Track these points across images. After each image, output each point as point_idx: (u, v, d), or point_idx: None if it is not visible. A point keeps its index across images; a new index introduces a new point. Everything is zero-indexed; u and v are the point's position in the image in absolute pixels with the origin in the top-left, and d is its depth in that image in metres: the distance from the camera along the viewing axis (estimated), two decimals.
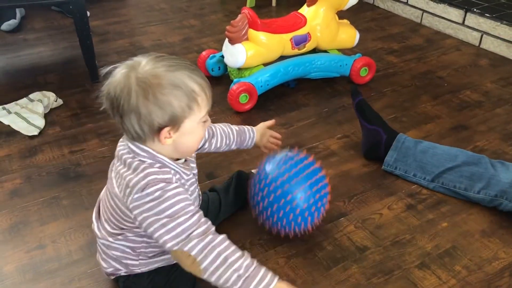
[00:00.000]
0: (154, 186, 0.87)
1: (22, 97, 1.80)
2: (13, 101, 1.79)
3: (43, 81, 1.96)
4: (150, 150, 0.91)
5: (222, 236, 0.89)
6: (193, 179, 1.03)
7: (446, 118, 1.74)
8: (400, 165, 1.43)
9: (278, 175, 1.11)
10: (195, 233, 0.87)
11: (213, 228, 0.90)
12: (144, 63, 0.87)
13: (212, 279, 0.87)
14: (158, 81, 0.85)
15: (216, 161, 1.51)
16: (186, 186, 0.98)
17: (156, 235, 0.88)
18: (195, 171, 1.05)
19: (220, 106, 1.80)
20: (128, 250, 1.00)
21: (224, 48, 1.80)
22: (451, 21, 2.38)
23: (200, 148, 1.18)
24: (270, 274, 0.88)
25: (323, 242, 1.22)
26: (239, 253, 0.88)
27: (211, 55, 1.95)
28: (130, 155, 0.92)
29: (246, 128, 1.28)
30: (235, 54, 1.72)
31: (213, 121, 1.70)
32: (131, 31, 2.46)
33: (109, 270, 1.04)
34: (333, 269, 1.15)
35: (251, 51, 1.71)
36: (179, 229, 0.86)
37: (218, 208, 1.24)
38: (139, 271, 1.03)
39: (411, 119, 1.74)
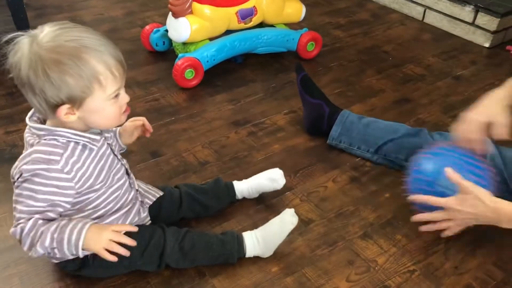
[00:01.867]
0: (32, 165, 0.84)
1: None
2: None
3: None
4: (47, 127, 0.87)
5: (41, 221, 0.87)
6: (108, 150, 0.96)
7: (390, 92, 1.78)
8: (345, 138, 1.45)
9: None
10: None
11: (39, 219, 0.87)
12: (43, 35, 0.81)
13: (33, 255, 0.88)
14: (54, 56, 0.79)
15: (161, 139, 1.47)
16: (97, 157, 0.93)
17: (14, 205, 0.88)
18: (111, 142, 0.99)
19: (164, 83, 1.75)
20: None
21: (168, 22, 1.74)
22: None
23: None
24: (76, 230, 0.86)
25: (269, 216, 1.21)
26: (52, 229, 0.86)
27: (155, 30, 1.88)
28: (33, 136, 0.88)
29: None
30: (179, 28, 1.67)
31: (158, 98, 1.67)
32: (71, 5, 2.34)
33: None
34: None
35: (195, 25, 1.67)
36: (24, 208, 0.86)
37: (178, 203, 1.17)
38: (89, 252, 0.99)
39: (357, 93, 1.76)
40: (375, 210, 1.27)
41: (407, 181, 1.17)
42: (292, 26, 1.99)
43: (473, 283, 1.09)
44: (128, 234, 1.00)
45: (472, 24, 2.13)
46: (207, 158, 1.42)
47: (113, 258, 0.88)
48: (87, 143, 0.90)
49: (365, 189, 1.34)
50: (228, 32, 1.78)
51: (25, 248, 0.88)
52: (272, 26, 1.90)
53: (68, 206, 0.91)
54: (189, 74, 1.69)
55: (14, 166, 0.88)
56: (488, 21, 2.08)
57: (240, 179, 1.34)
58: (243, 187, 1.24)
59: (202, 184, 1.23)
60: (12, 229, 0.88)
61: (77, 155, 0.89)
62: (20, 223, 0.86)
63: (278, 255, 1.13)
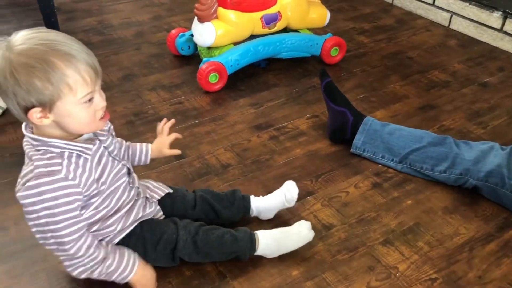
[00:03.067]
0: (36, 180, 0.85)
1: None
2: None
3: None
4: (40, 137, 0.88)
5: (93, 249, 0.93)
6: (106, 152, 0.96)
7: (414, 98, 1.76)
8: (368, 147, 1.44)
9: None
10: (65, 247, 0.91)
11: (84, 238, 0.92)
12: (16, 38, 0.82)
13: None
14: (22, 60, 0.80)
15: (185, 141, 1.49)
16: (95, 161, 0.93)
17: (32, 230, 0.92)
18: (107, 144, 0.98)
19: (189, 86, 1.78)
20: None
21: (193, 26, 1.77)
22: (422, 2, 2.39)
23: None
24: (129, 267, 0.98)
25: (290, 220, 1.23)
26: (100, 263, 0.95)
27: (180, 34, 1.91)
28: (29, 146, 0.90)
29: (139, 144, 1.15)
30: (204, 33, 1.69)
31: (183, 101, 1.70)
32: (100, 9, 2.39)
33: None
34: (300, 247, 1.16)
35: (220, 30, 1.69)
36: (48, 234, 0.90)
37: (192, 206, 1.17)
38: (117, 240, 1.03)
39: (380, 99, 1.75)
40: (397, 216, 1.26)
41: None
42: (316, 31, 1.99)
43: None
44: (141, 224, 1.04)
45: (500, 30, 2.10)
46: (229, 161, 1.43)
47: None
48: (80, 153, 0.90)
49: (387, 195, 1.33)
50: (252, 37, 1.80)
51: (73, 274, 0.97)
52: (296, 31, 1.91)
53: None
54: (213, 78, 1.71)
55: (18, 182, 0.90)
56: None
57: (261, 182, 1.35)
58: (259, 203, 1.20)
59: (219, 192, 1.21)
60: (54, 251, 0.94)
61: (74, 162, 0.89)
62: (68, 251, 0.92)
63: (299, 259, 1.13)
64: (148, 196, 1.10)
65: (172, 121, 1.18)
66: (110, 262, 0.96)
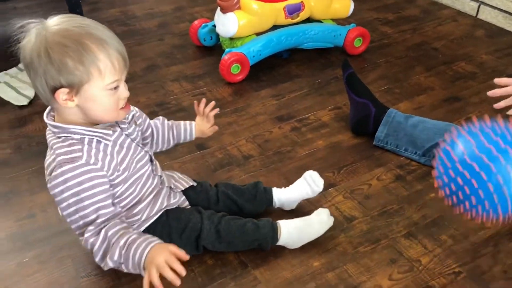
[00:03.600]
0: (59, 168, 0.87)
1: (11, 67, 1.78)
2: (3, 70, 1.77)
3: None
4: (60, 124, 0.89)
5: (112, 232, 0.90)
6: (128, 140, 0.98)
7: (439, 90, 1.73)
8: (391, 140, 1.42)
9: (483, 152, 0.90)
10: (89, 228, 0.90)
11: (109, 222, 0.91)
12: (52, 20, 0.85)
13: (105, 268, 0.93)
14: (57, 39, 0.82)
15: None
16: (117, 148, 0.94)
17: (67, 220, 0.93)
18: (128, 132, 0.99)
19: (211, 77, 1.78)
20: None
21: (216, 17, 1.77)
22: None
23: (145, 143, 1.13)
24: (139, 251, 0.88)
25: (311, 212, 1.22)
26: (120, 244, 0.89)
27: (203, 25, 1.92)
28: (50, 134, 0.92)
29: (182, 122, 1.19)
30: (227, 23, 1.69)
31: (205, 92, 1.70)
32: (123, 0, 2.41)
33: None
34: (321, 238, 1.15)
35: (243, 20, 1.68)
36: (81, 222, 0.91)
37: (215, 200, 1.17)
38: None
39: (404, 90, 1.73)
40: (420, 209, 1.25)
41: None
42: (339, 21, 1.97)
43: None
44: (166, 212, 1.05)
45: None
46: (250, 152, 1.44)
47: (158, 283, 0.85)
48: (100, 139, 0.92)
49: (410, 188, 1.31)
50: (275, 27, 1.79)
51: (97, 259, 0.93)
52: (319, 21, 1.89)
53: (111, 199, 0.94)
54: (235, 69, 1.71)
55: (46, 174, 0.92)
56: None
57: (282, 173, 1.35)
58: (281, 195, 1.20)
59: (241, 185, 1.21)
60: (82, 241, 0.93)
61: (94, 147, 0.91)
62: (89, 238, 0.90)
63: (320, 250, 1.13)
64: (172, 186, 1.11)
65: (213, 103, 1.20)
66: (123, 242, 0.90)
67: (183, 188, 1.14)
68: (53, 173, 0.88)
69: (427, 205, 1.26)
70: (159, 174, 1.08)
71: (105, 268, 0.93)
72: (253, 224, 1.09)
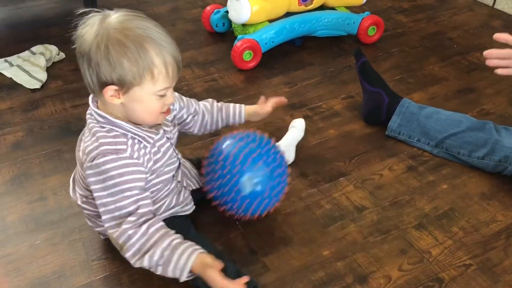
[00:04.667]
0: (102, 158, 0.86)
1: (24, 50, 1.79)
2: (15, 54, 1.77)
3: (45, 34, 1.93)
4: (107, 116, 0.89)
5: (154, 228, 0.88)
6: (167, 144, 0.99)
7: (454, 80, 1.71)
8: (404, 130, 1.41)
9: (234, 158, 1.02)
10: (129, 219, 0.88)
11: (150, 216, 0.89)
12: (116, 16, 0.84)
13: (136, 264, 0.89)
14: (119, 37, 0.82)
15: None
16: (155, 149, 0.95)
17: (99, 210, 0.90)
18: (170, 135, 1.01)
19: (223, 64, 1.77)
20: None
21: (228, 3, 1.75)
22: None
23: (186, 128, 1.13)
24: (185, 255, 0.87)
25: (321, 200, 1.22)
26: (163, 245, 0.87)
27: (215, 10, 1.90)
28: (94, 121, 0.91)
29: (232, 104, 1.18)
30: (240, 9, 1.68)
31: (217, 79, 1.70)
32: None
33: (97, 229, 1.06)
34: (331, 227, 1.16)
35: (256, 6, 1.67)
36: (116, 213, 0.88)
37: None
38: None
39: (418, 80, 1.71)
40: (431, 200, 1.24)
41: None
42: (353, 9, 1.94)
43: None
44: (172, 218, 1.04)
45: None
46: None
47: None
48: (142, 140, 0.92)
49: (422, 179, 1.30)
50: (288, 14, 1.77)
51: (129, 253, 0.88)
52: (333, 8, 1.86)
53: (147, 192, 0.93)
54: (247, 55, 1.70)
55: (82, 156, 0.91)
56: None
57: (293, 162, 1.34)
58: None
59: None
60: (114, 232, 0.88)
61: (137, 142, 0.92)
62: (128, 230, 0.87)
63: (330, 239, 1.13)
64: (185, 184, 1.10)
65: (283, 100, 1.23)
66: (166, 244, 0.88)
67: (194, 188, 1.12)
68: (95, 161, 0.87)
69: (439, 197, 1.25)
70: (179, 179, 1.07)
71: (136, 265, 0.89)
72: None
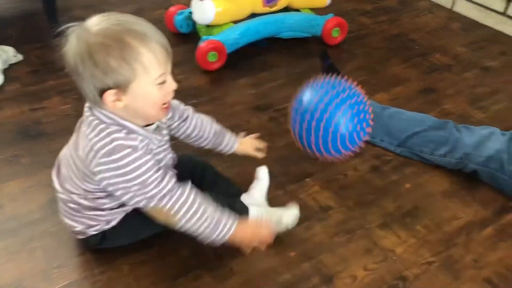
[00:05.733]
0: (121, 152, 0.86)
1: None
2: None
3: (2, 35, 1.86)
4: (114, 117, 0.88)
5: (188, 191, 0.92)
6: (166, 146, 1.01)
7: (415, 81, 1.75)
8: None
9: (320, 100, 1.07)
10: (165, 191, 0.89)
11: (178, 185, 0.91)
12: (91, 21, 0.84)
13: (187, 227, 0.92)
14: (99, 40, 0.81)
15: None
16: (154, 152, 0.96)
17: (125, 198, 0.90)
18: (168, 138, 1.03)
19: (187, 65, 1.75)
20: (93, 208, 0.99)
21: (192, 4, 1.74)
22: None
23: (170, 125, 1.13)
24: (228, 222, 0.94)
25: (288, 202, 1.22)
26: (203, 206, 0.92)
27: (179, 11, 1.88)
28: (95, 120, 0.89)
29: (229, 133, 1.19)
30: (204, 10, 1.66)
31: (181, 80, 1.67)
32: None
33: (78, 229, 1.03)
34: (297, 228, 1.16)
35: (220, 8, 1.66)
36: (149, 194, 0.89)
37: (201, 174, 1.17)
38: (109, 226, 1.02)
39: (381, 81, 1.74)
40: (395, 200, 1.26)
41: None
42: (317, 11, 1.96)
43: (492, 278, 1.08)
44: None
45: (504, 14, 2.07)
46: None
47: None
48: (148, 141, 0.92)
49: (386, 178, 1.32)
50: (252, 15, 1.77)
51: (181, 213, 0.91)
52: (297, 10, 1.87)
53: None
54: (212, 57, 1.69)
55: (88, 153, 0.88)
56: None
57: (260, 164, 1.33)
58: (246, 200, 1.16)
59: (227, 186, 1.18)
60: (169, 199, 0.90)
61: (145, 144, 0.92)
62: (175, 193, 0.90)
63: (296, 240, 1.13)
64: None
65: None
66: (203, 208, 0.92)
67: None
68: (112, 157, 0.86)
69: (402, 196, 1.27)
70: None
71: (177, 226, 0.93)
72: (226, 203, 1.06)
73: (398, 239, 1.15)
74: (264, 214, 1.12)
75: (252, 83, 1.69)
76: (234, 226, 0.94)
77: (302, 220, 1.18)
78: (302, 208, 1.21)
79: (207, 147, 1.18)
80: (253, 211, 1.11)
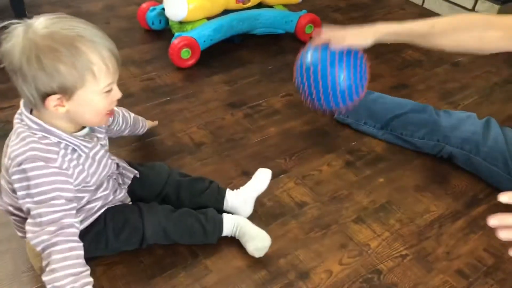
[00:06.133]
0: (30, 163, 0.82)
1: None
2: None
3: None
4: (42, 123, 0.85)
5: (70, 246, 0.83)
6: (102, 151, 0.96)
7: (388, 77, 1.77)
8: (351, 113, 1.45)
9: (323, 56, 1.17)
10: (48, 229, 0.82)
11: (71, 230, 0.84)
12: (39, 22, 0.80)
13: (46, 280, 0.82)
14: (48, 43, 0.78)
15: (156, 119, 1.45)
16: (89, 160, 0.91)
17: (25, 215, 0.85)
18: (104, 142, 0.98)
19: (161, 62, 1.73)
20: None
21: (164, 0, 1.71)
22: None
23: (111, 127, 1.14)
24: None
25: (263, 198, 1.22)
26: (77, 269, 0.83)
27: (151, 8, 1.85)
28: (24, 126, 0.86)
29: (140, 118, 1.30)
30: (176, 7, 1.64)
31: (154, 77, 1.65)
32: None
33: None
34: (272, 225, 1.16)
35: (193, 4, 1.64)
36: (37, 219, 0.83)
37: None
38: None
39: None
40: (369, 194, 1.27)
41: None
42: (291, 7, 1.96)
43: (464, 269, 1.10)
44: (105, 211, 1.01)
45: (472, 10, 2.12)
46: (202, 139, 1.41)
47: None
48: (77, 148, 0.88)
49: (360, 173, 1.34)
50: (226, 12, 1.75)
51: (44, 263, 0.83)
52: (270, 7, 1.87)
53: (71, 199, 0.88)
54: (185, 53, 1.67)
55: (7, 161, 0.85)
56: (488, 7, 2.06)
57: (235, 161, 1.34)
58: (233, 197, 1.14)
59: (196, 179, 1.16)
60: (32, 238, 0.83)
61: (70, 153, 0.88)
62: (46, 238, 0.82)
63: (272, 236, 1.12)
64: (120, 182, 1.07)
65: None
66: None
67: (129, 182, 1.09)
68: (22, 166, 0.82)
69: (376, 190, 1.28)
70: (119, 181, 1.06)
71: (44, 278, 0.83)
72: (200, 227, 1.06)
73: (372, 233, 1.16)
74: (238, 232, 1.08)
75: (226, 80, 1.68)
76: None
77: (277, 216, 1.18)
78: (277, 205, 1.21)
79: (126, 134, 1.24)
80: (228, 225, 1.08)
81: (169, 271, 1.04)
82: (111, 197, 1.03)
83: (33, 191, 0.82)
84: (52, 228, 0.83)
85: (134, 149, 1.35)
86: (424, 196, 1.28)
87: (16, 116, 0.88)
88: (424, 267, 1.09)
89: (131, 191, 1.09)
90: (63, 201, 0.84)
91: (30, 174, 0.82)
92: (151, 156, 1.33)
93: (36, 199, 0.83)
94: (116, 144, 1.35)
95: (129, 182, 1.09)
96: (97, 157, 0.94)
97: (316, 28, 1.91)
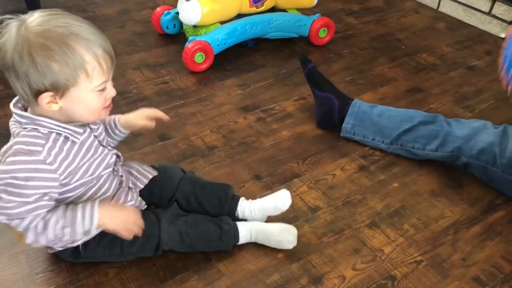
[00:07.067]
0: (13, 157, 0.82)
1: None
2: None
3: None
4: (30, 115, 0.85)
5: (49, 218, 0.86)
6: (95, 141, 0.94)
7: (402, 81, 1.75)
8: (358, 130, 1.42)
9: None
10: (27, 217, 0.85)
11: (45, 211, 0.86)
12: (33, 19, 0.80)
13: (41, 241, 0.89)
14: (41, 41, 0.77)
15: (170, 122, 1.45)
16: (82, 151, 0.90)
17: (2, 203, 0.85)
18: (97, 133, 0.95)
19: (174, 66, 1.74)
20: None
21: (179, 4, 1.72)
22: None
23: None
24: (88, 210, 0.88)
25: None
26: (61, 210, 0.87)
27: (165, 12, 1.86)
28: (16, 124, 0.86)
29: (113, 117, 1.09)
30: (190, 11, 1.65)
31: (168, 81, 1.66)
32: None
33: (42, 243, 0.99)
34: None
35: (206, 8, 1.65)
36: (7, 211, 0.84)
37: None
38: (74, 245, 0.99)
39: (368, 81, 1.74)
40: (383, 199, 1.26)
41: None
42: (304, 11, 1.96)
43: (480, 276, 1.08)
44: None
45: (489, 13, 2.09)
46: (215, 143, 1.41)
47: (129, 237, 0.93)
48: (69, 135, 0.88)
49: (374, 178, 1.32)
50: (239, 16, 1.76)
51: (29, 237, 0.87)
52: (284, 11, 1.87)
53: (57, 195, 0.89)
54: (199, 57, 1.68)
55: (1, 160, 0.86)
56: (505, 10, 2.03)
57: (247, 164, 1.34)
58: (246, 205, 1.12)
59: (210, 184, 1.15)
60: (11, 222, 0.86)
61: (59, 146, 0.86)
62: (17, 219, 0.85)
63: None
64: (131, 185, 1.06)
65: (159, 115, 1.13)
66: (62, 209, 0.88)
67: (142, 186, 1.08)
68: (7, 159, 0.82)
69: (390, 195, 1.27)
70: (120, 174, 1.03)
71: (41, 242, 0.89)
72: (216, 231, 1.05)
73: (386, 239, 1.15)
74: (258, 236, 1.08)
75: (239, 83, 1.68)
76: (96, 213, 0.88)
77: (290, 220, 1.17)
78: (290, 209, 1.20)
79: (112, 140, 1.08)
80: (243, 232, 1.07)
81: (182, 274, 1.04)
82: (121, 200, 1.02)
83: (11, 182, 0.82)
84: (24, 223, 0.85)
85: (147, 153, 1.36)
86: (438, 201, 1.26)
87: (11, 119, 0.88)
88: (439, 274, 1.08)
89: (141, 195, 1.08)
90: (38, 194, 0.84)
91: (10, 167, 0.82)
92: (164, 159, 1.34)
93: (11, 190, 0.83)
94: (129, 147, 1.36)
95: (142, 186, 1.07)
96: (90, 147, 0.92)
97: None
